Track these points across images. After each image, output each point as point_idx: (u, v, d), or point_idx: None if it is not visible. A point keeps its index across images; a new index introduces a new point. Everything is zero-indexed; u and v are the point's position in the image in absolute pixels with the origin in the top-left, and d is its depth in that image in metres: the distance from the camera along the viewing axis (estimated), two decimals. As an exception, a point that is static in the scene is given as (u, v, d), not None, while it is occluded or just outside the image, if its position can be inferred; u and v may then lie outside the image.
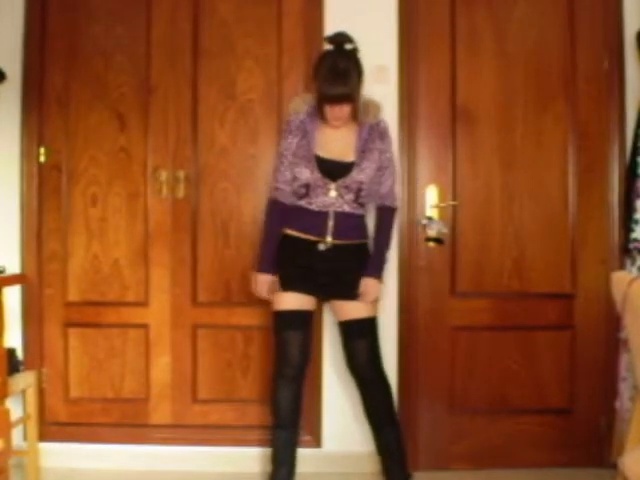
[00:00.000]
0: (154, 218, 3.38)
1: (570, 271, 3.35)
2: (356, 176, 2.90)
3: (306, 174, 2.90)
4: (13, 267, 3.30)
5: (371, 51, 3.16)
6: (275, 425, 3.00)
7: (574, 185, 3.34)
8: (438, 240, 3.32)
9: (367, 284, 2.93)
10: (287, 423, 2.98)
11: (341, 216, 2.92)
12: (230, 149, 3.37)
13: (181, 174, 3.36)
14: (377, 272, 2.96)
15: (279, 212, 3.00)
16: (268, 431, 3.06)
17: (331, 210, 2.91)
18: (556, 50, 3.34)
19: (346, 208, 2.92)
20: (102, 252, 3.39)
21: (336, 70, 2.83)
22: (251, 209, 3.38)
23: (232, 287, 3.38)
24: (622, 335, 3.08)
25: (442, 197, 3.34)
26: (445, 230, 3.31)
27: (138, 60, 3.37)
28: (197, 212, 3.38)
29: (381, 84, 3.26)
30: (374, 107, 2.98)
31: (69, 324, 3.41)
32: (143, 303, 3.39)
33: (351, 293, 2.94)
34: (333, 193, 2.90)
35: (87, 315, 3.41)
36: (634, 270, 3.13)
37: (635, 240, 3.14)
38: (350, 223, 2.95)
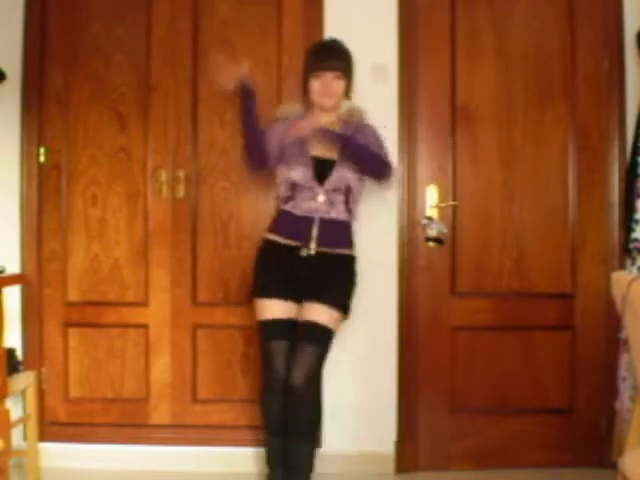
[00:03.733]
0: (154, 218, 3.38)
1: (570, 271, 3.35)
2: (341, 174, 2.83)
3: (297, 174, 2.84)
4: (13, 267, 3.30)
5: (371, 51, 3.17)
6: (266, 432, 2.92)
7: (574, 185, 3.34)
8: (438, 240, 3.32)
9: None
10: (278, 432, 2.87)
11: (327, 223, 2.85)
12: (230, 149, 3.37)
13: (181, 174, 3.36)
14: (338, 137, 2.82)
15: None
16: (261, 432, 3.04)
17: (317, 216, 2.85)
18: (556, 50, 3.34)
19: (333, 215, 2.86)
20: (102, 252, 3.39)
21: (329, 46, 2.90)
22: (251, 209, 3.37)
23: (232, 287, 3.38)
24: (622, 335, 3.08)
25: (442, 197, 3.34)
26: (445, 230, 3.31)
27: (138, 60, 3.37)
28: (197, 212, 3.38)
29: (381, 84, 3.26)
30: (358, 112, 2.98)
31: (69, 324, 3.41)
32: (143, 303, 3.39)
33: (321, 296, 2.81)
34: (321, 198, 2.84)
35: (87, 315, 3.40)
36: (634, 270, 3.13)
37: (635, 240, 3.13)
38: (336, 231, 2.88)
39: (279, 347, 2.84)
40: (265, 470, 2.97)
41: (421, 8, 3.32)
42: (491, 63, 3.33)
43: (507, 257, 3.35)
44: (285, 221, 2.91)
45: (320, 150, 2.88)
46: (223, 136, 3.37)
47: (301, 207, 2.86)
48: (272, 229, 2.95)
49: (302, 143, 2.87)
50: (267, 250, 2.94)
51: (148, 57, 3.36)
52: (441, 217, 3.33)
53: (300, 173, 2.85)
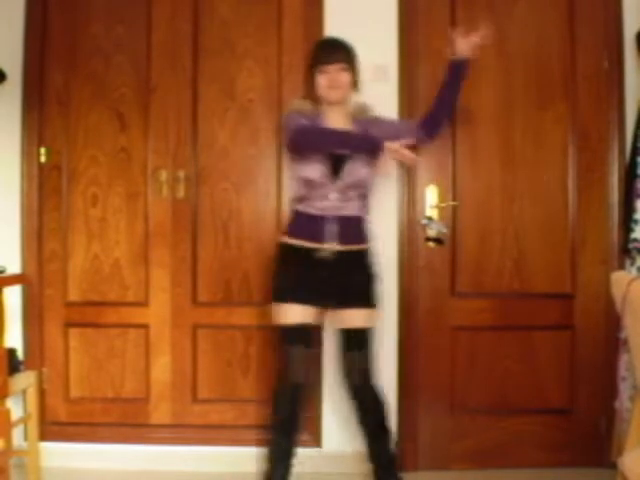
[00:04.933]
0: (154, 218, 3.38)
1: (570, 271, 3.35)
2: (354, 169, 2.80)
3: (312, 171, 2.80)
4: (13, 267, 3.30)
5: (371, 51, 3.17)
6: (274, 431, 2.90)
7: (574, 185, 3.34)
8: (438, 240, 3.32)
9: None
10: (286, 431, 2.88)
11: (342, 220, 2.83)
12: (230, 149, 3.37)
13: (181, 174, 3.37)
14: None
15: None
16: (265, 429, 3.04)
17: (331, 214, 2.83)
18: (556, 50, 3.34)
19: (348, 211, 2.84)
20: (102, 252, 3.40)
21: (331, 41, 2.91)
22: (251, 209, 3.38)
23: (232, 287, 3.38)
24: (622, 335, 3.08)
25: (442, 197, 3.34)
26: (445, 230, 3.31)
27: (138, 60, 3.37)
28: (197, 212, 3.38)
29: (381, 84, 3.26)
30: (366, 107, 2.97)
31: (69, 324, 3.41)
32: (143, 303, 3.39)
33: (357, 301, 2.83)
34: (334, 195, 2.82)
35: (87, 315, 3.41)
36: (634, 270, 3.13)
37: (635, 240, 3.14)
38: (353, 227, 2.86)
39: (298, 352, 2.83)
40: (264, 467, 2.95)
41: (421, 8, 3.32)
42: (491, 63, 3.33)
43: (507, 257, 3.35)
44: (300, 222, 2.87)
45: None
46: (223, 136, 3.37)
47: (315, 205, 2.83)
48: (288, 232, 2.91)
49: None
50: (284, 254, 2.89)
51: (148, 57, 3.36)
52: (441, 217, 3.33)
53: (316, 170, 2.80)
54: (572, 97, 3.33)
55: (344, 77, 2.85)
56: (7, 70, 3.25)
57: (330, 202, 2.82)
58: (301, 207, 2.87)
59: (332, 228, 2.81)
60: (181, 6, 3.36)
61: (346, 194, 2.83)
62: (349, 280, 2.84)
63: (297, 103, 2.98)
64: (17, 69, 3.34)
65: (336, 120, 2.90)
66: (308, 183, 2.83)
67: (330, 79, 2.84)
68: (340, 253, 2.82)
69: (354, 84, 2.90)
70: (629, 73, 3.29)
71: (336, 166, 2.81)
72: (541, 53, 3.34)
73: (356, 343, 2.85)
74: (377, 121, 2.95)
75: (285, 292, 2.84)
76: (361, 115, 2.95)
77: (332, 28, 3.21)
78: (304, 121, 2.85)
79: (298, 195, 2.89)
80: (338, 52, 2.86)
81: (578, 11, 3.32)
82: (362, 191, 2.87)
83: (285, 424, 2.88)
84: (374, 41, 3.25)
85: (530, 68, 3.33)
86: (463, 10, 3.33)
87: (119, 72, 3.37)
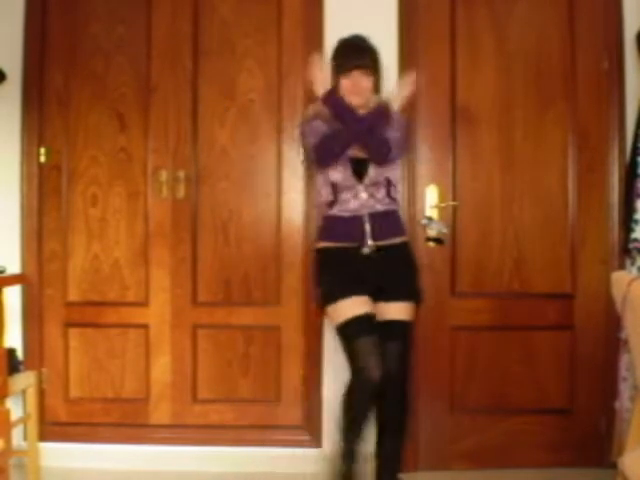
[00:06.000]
0: (154, 218, 3.38)
1: (570, 271, 3.35)
2: (377, 169, 2.83)
3: (337, 175, 2.83)
4: (13, 267, 3.30)
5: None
6: (351, 433, 2.78)
7: (574, 185, 3.34)
8: (438, 240, 3.32)
9: None
10: (363, 433, 2.78)
11: (376, 217, 2.86)
12: (230, 149, 3.37)
13: (181, 174, 3.36)
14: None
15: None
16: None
17: (365, 212, 2.85)
18: (556, 50, 3.34)
19: (379, 207, 2.87)
20: (102, 252, 3.39)
21: (356, 44, 2.87)
22: (251, 209, 3.38)
23: (232, 287, 3.38)
24: (622, 335, 3.08)
25: (442, 197, 3.34)
26: (445, 230, 3.31)
27: (138, 60, 3.37)
28: (197, 212, 3.38)
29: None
30: (385, 102, 2.90)
31: (69, 324, 3.41)
32: (143, 303, 3.39)
33: (395, 293, 2.85)
34: (363, 195, 2.85)
35: (87, 315, 3.41)
36: (634, 270, 3.13)
37: (635, 240, 3.13)
38: (387, 222, 2.89)
39: (369, 342, 2.73)
40: (342, 467, 2.83)
41: (421, 8, 3.32)
42: (491, 63, 3.33)
43: (507, 257, 3.35)
44: (335, 225, 2.89)
45: (354, 151, 2.84)
46: (223, 136, 3.37)
47: (347, 208, 2.86)
48: (324, 237, 2.92)
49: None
50: (326, 258, 2.90)
51: (148, 57, 3.36)
52: (441, 217, 3.33)
53: (340, 173, 2.84)
54: (572, 97, 3.33)
55: (367, 82, 2.82)
56: (7, 70, 3.25)
57: (361, 201, 2.85)
58: (333, 211, 2.88)
59: (368, 226, 2.84)
60: (181, 6, 3.36)
61: (374, 192, 2.86)
62: (388, 274, 2.86)
63: (315, 107, 2.93)
64: (17, 69, 3.34)
65: None
66: (336, 186, 2.85)
67: (353, 84, 2.81)
68: (380, 248, 2.85)
69: (376, 88, 2.87)
70: (629, 73, 3.29)
71: (361, 166, 2.84)
72: (541, 53, 3.34)
73: (391, 335, 2.82)
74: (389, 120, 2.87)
75: (337, 291, 2.80)
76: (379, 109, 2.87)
77: (332, 28, 3.21)
78: (322, 127, 2.83)
79: (327, 200, 2.90)
80: (363, 56, 2.83)
81: (578, 11, 3.32)
82: (389, 187, 2.88)
83: (361, 421, 2.79)
84: (374, 41, 3.23)
85: (530, 68, 3.33)
86: (463, 10, 3.33)
87: (119, 72, 3.37)
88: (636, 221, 3.13)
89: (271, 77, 3.35)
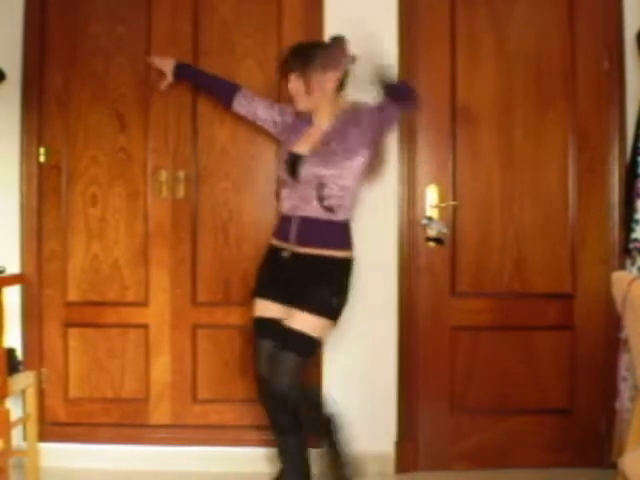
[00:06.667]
0: (154, 218, 3.38)
1: (570, 271, 3.35)
2: (309, 170, 2.72)
3: (279, 169, 2.87)
4: (13, 267, 3.29)
5: (371, 51, 3.15)
6: (274, 432, 2.91)
7: (574, 185, 3.34)
8: (438, 240, 3.32)
9: None
10: (286, 431, 2.86)
11: (304, 221, 2.76)
12: (230, 149, 3.37)
13: (181, 174, 3.36)
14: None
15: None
16: (268, 431, 3.04)
17: (295, 214, 2.78)
18: (556, 50, 3.34)
19: (308, 213, 2.75)
20: (102, 252, 3.39)
21: (285, 52, 2.89)
22: (251, 209, 3.38)
23: (232, 287, 3.38)
24: (622, 335, 3.08)
25: (442, 197, 3.34)
26: (445, 230, 3.31)
27: (138, 60, 3.36)
28: (197, 212, 3.38)
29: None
30: (351, 106, 2.87)
31: (69, 324, 3.41)
32: (143, 303, 3.39)
33: (302, 302, 2.72)
34: (294, 195, 2.79)
35: (87, 315, 3.41)
36: (634, 270, 3.13)
37: (635, 240, 3.13)
38: (314, 230, 2.75)
39: (262, 346, 2.84)
40: (276, 467, 2.94)
41: (421, 8, 3.32)
42: (491, 63, 3.33)
43: (507, 257, 3.35)
44: (278, 221, 2.92)
45: (298, 146, 2.82)
46: (223, 136, 3.37)
47: (284, 205, 2.86)
48: (273, 230, 2.97)
49: (287, 141, 2.86)
50: (266, 252, 2.95)
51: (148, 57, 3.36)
52: (441, 217, 3.33)
53: (281, 168, 2.84)
54: (572, 97, 3.33)
55: (296, 86, 2.81)
56: (7, 70, 3.25)
57: (294, 201, 2.80)
58: (279, 206, 2.92)
59: (294, 228, 2.79)
60: (181, 6, 3.36)
61: (305, 194, 2.77)
62: (302, 282, 2.75)
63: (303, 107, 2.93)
64: (16, 69, 3.33)
65: (319, 120, 2.87)
66: (279, 181, 2.88)
67: (289, 90, 2.85)
68: (301, 256, 2.77)
69: (340, 85, 2.84)
70: (629, 73, 3.29)
71: (293, 165, 2.79)
72: (541, 53, 3.34)
73: (283, 343, 2.73)
74: (358, 117, 2.79)
75: (255, 288, 2.92)
76: (344, 114, 2.83)
77: (332, 29, 3.20)
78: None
79: (277, 192, 2.93)
80: (285, 63, 2.85)
81: (578, 11, 3.32)
82: (322, 193, 2.73)
83: (270, 418, 2.88)
84: (374, 41, 3.23)
85: (530, 68, 3.33)
86: (463, 10, 3.33)
87: (119, 72, 3.37)
88: (636, 221, 3.13)
89: (271, 77, 3.34)
